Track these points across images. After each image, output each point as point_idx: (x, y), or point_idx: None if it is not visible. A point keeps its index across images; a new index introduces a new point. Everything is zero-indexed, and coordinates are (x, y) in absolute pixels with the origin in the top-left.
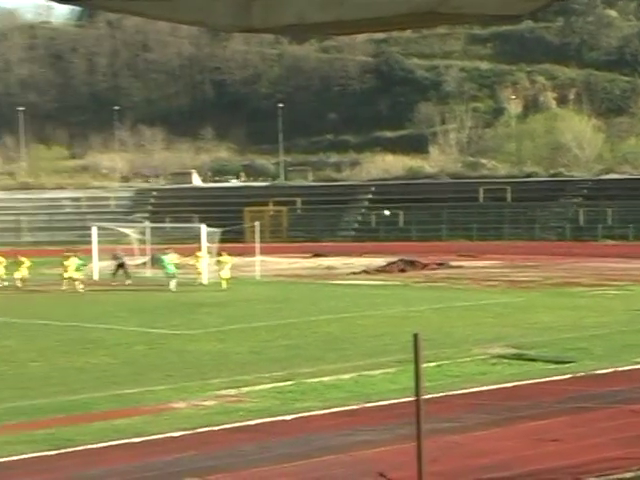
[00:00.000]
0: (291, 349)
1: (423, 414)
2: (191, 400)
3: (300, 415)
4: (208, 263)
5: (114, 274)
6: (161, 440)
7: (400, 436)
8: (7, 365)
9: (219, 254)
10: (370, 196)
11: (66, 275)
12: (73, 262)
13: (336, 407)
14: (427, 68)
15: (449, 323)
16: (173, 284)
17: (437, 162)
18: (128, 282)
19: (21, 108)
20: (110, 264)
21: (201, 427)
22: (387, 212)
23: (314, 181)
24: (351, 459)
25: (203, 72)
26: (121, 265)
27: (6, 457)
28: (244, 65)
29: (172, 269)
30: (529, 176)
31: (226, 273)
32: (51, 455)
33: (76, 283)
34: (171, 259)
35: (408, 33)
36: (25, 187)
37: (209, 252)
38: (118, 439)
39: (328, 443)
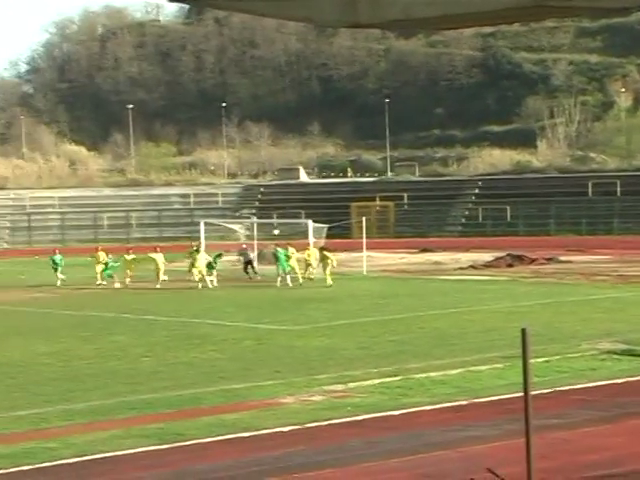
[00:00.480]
0: (398, 344)
1: (532, 410)
2: (299, 395)
3: (408, 410)
4: (315, 259)
5: (246, 271)
6: (269, 435)
7: (509, 432)
8: (118, 360)
9: (322, 250)
10: (477, 191)
11: (195, 271)
12: (202, 257)
13: (444, 403)
14: (535, 62)
15: (558, 318)
16: (288, 279)
17: (545, 156)
18: (258, 278)
19: (130, 106)
20: (237, 260)
21: (309, 422)
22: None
23: (421, 176)
24: (459, 455)
25: (310, 68)
26: (249, 262)
27: (116, 451)
28: (351, 60)
29: (287, 265)
30: (639, 170)
31: (328, 269)
32: (160, 449)
33: (207, 279)
34: (288, 255)
35: (516, 27)
36: (134, 184)
37: (315, 247)
38: (226, 434)
39: (436, 439)
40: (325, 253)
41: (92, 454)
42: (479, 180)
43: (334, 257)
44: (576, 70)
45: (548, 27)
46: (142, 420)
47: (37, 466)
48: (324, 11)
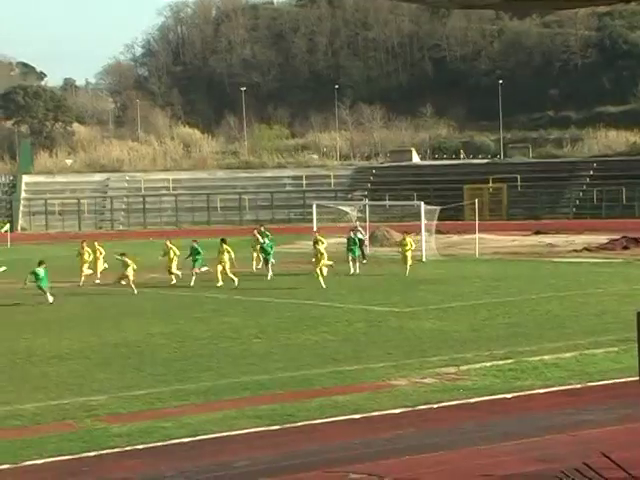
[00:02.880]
0: (511, 327)
1: None
2: (410, 377)
3: (520, 394)
4: (426, 241)
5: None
6: (381, 417)
7: (623, 416)
8: (231, 342)
9: (404, 234)
10: (591, 172)
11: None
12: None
13: (557, 386)
14: None
15: None
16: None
17: None
18: (364, 261)
19: (243, 88)
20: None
21: (420, 405)
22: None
23: (534, 158)
24: (572, 439)
25: (422, 49)
26: (361, 243)
27: (229, 431)
28: (464, 42)
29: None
30: None
31: (409, 256)
32: (272, 430)
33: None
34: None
35: (633, 5)
36: (247, 166)
37: (427, 230)
38: (338, 415)
39: (549, 422)
40: (407, 239)
41: (205, 434)
42: (594, 162)
43: (414, 243)
44: None
45: None
46: (254, 401)
47: (151, 445)
48: None
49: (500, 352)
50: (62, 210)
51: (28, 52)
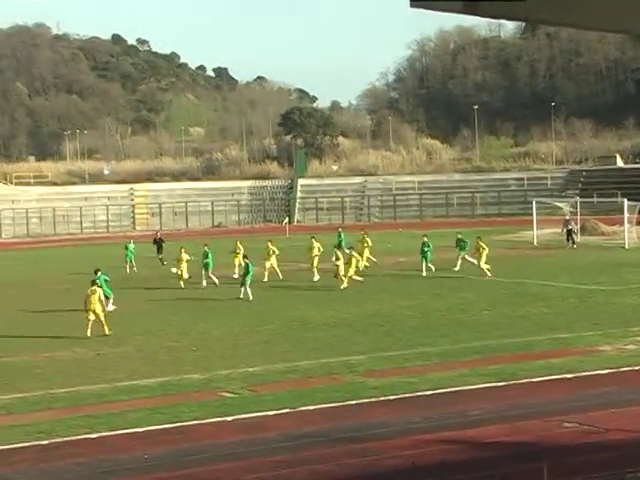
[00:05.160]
0: None
1: None
2: (615, 344)
3: None
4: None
5: (567, 239)
6: (589, 377)
7: None
8: (465, 313)
9: (478, 239)
10: None
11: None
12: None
13: None
14: None
15: None
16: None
17: None
18: (575, 246)
19: (476, 106)
20: (561, 231)
21: (623, 367)
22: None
23: None
24: None
25: (626, 72)
26: (570, 232)
27: (464, 386)
28: None
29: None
30: None
31: (483, 259)
32: (499, 386)
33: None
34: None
35: None
36: (478, 170)
37: (629, 222)
38: (554, 374)
39: None
40: (480, 243)
41: (444, 388)
42: None
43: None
44: None
45: None
46: (484, 362)
47: (400, 396)
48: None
49: None
50: (329, 207)
51: (303, 81)
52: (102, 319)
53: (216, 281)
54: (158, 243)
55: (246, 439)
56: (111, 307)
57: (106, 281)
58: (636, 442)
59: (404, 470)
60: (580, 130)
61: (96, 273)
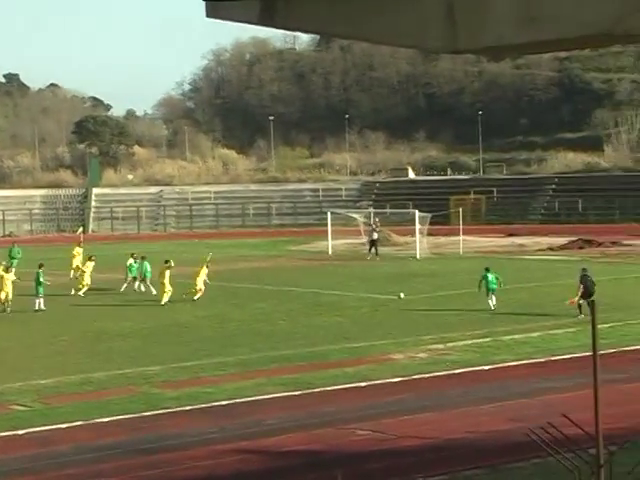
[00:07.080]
0: (489, 311)
1: (599, 366)
2: (407, 352)
3: (496, 366)
4: (420, 242)
5: (370, 249)
6: (383, 385)
7: (580, 384)
8: (262, 323)
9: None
10: (554, 186)
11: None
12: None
13: (526, 359)
14: (603, 80)
15: (621, 291)
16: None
17: (611, 158)
18: (377, 257)
19: (271, 117)
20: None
21: (415, 374)
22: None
23: (508, 174)
24: (539, 403)
25: (417, 86)
26: (374, 242)
27: (260, 396)
28: (451, 80)
29: None
30: None
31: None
32: (295, 395)
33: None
34: None
35: (587, 51)
36: (274, 180)
37: (420, 232)
38: (348, 383)
39: (520, 389)
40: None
41: (241, 398)
42: (556, 177)
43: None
44: (637, 87)
45: (614, 51)
46: (281, 371)
47: (197, 406)
48: (430, 40)
49: (479, 332)
50: (125, 216)
51: (97, 89)
52: None
53: None
54: None
55: (38, 453)
56: None
57: None
58: (427, 448)
59: None
60: (373, 142)
61: None
